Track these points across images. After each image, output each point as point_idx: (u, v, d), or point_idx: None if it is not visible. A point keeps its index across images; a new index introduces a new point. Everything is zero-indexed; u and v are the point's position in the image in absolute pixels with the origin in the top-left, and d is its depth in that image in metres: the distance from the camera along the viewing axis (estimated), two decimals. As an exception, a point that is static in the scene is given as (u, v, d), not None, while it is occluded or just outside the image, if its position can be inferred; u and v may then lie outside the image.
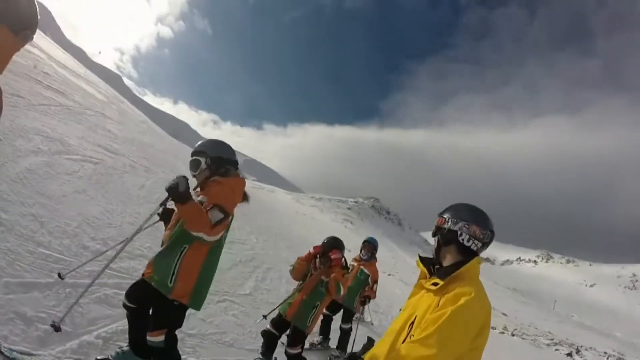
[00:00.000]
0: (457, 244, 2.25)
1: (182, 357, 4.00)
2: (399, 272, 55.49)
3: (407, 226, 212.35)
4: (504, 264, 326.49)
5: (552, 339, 32.58)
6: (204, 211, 3.16)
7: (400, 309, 2.40)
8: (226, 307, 6.41)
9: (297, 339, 5.08)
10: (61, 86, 12.93)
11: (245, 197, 3.75)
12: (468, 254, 2.23)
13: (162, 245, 3.52)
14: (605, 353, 36.51)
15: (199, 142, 3.73)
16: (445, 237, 2.30)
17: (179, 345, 4.14)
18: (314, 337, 6.99)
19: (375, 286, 8.11)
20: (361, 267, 7.88)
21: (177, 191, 3.04)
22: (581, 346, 33.42)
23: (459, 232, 2.24)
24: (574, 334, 50.71)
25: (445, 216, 2.34)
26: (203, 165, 3.52)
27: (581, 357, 28.37)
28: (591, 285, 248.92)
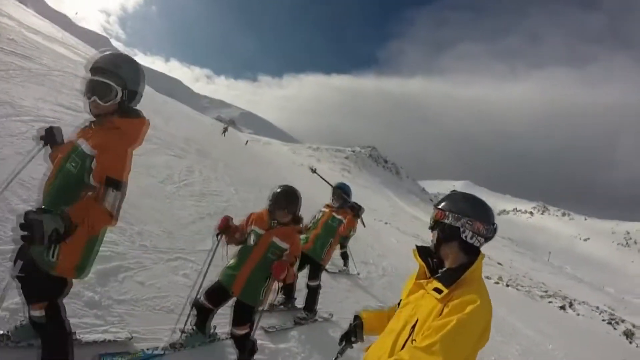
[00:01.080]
0: (460, 240, 2.13)
1: (105, 327, 3.70)
2: (396, 220, 55.85)
3: (405, 175, 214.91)
4: (501, 213, 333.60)
5: (546, 291, 32.86)
6: (94, 204, 2.45)
7: (399, 303, 2.35)
8: (176, 267, 5.45)
9: (244, 316, 3.90)
10: (27, 51, 12.14)
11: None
12: (471, 251, 2.14)
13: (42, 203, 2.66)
14: (597, 308, 36.97)
15: (112, 59, 2.71)
16: (447, 233, 2.17)
17: (104, 313, 3.87)
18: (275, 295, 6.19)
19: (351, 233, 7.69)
20: (333, 213, 6.61)
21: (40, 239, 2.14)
22: (574, 300, 33.90)
23: (461, 229, 2.12)
24: (567, 286, 51.40)
25: (444, 210, 2.20)
26: (116, 97, 2.65)
27: (574, 311, 29.02)
28: (585, 239, 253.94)
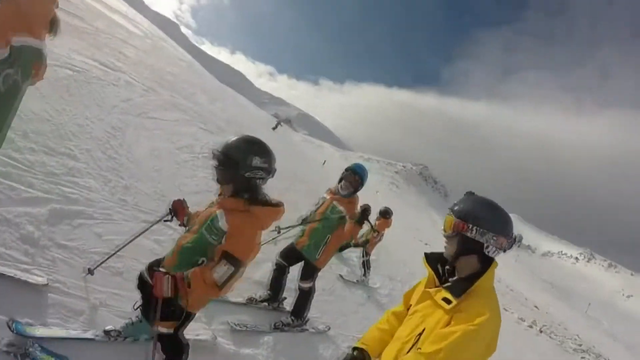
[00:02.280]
0: (481, 253, 2.07)
1: (28, 267, 3.19)
2: (437, 243, 54.12)
3: (453, 199, 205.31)
4: (545, 255, 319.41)
5: (580, 345, 31.23)
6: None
7: (408, 309, 2.28)
8: (152, 230, 4.38)
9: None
10: (81, 12, 11.65)
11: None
12: (489, 262, 2.09)
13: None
14: None
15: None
16: (469, 247, 2.06)
17: (36, 252, 3.37)
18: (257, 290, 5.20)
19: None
20: (334, 202, 5.01)
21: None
22: (609, 359, 31.91)
23: (485, 245, 2.04)
24: (602, 343, 48.84)
25: (467, 221, 2.06)
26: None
27: None
28: (628, 296, 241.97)
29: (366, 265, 8.94)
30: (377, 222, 9.76)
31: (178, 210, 3.28)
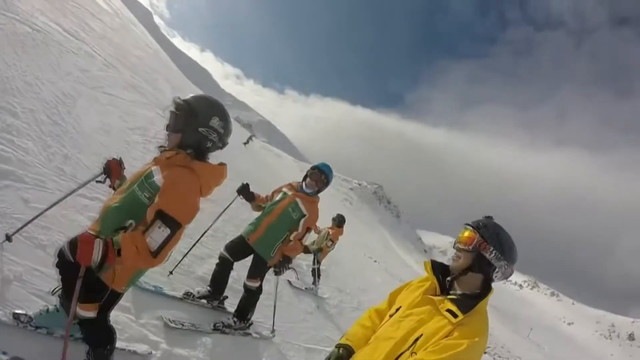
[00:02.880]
0: (488, 275, 2.15)
1: None
2: (385, 262, 54.69)
3: (405, 220, 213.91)
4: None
5: None
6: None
7: (398, 309, 2.24)
8: (86, 206, 4.32)
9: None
10: None
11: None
12: (488, 286, 2.18)
13: None
14: None
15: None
16: (482, 266, 2.12)
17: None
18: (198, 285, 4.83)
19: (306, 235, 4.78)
20: (297, 198, 4.57)
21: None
22: None
23: (496, 270, 2.13)
24: None
25: (489, 243, 2.12)
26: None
27: None
28: (569, 323, 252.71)
29: (316, 273, 8.61)
30: (330, 231, 9.55)
31: (113, 170, 2.93)
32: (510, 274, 2.18)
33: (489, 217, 2.26)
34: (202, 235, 5.02)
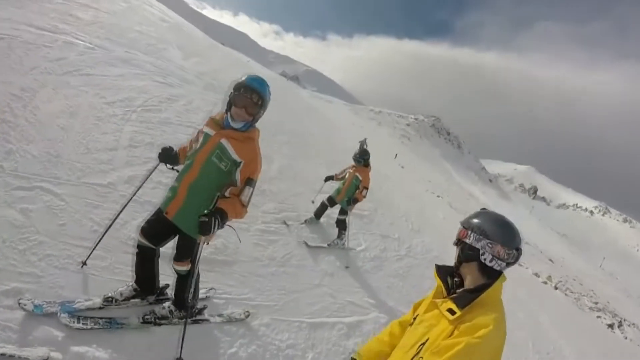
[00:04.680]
0: (479, 262, 2.09)
1: None
2: (449, 195, 53.52)
3: (467, 150, 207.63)
4: (560, 207, 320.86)
5: (596, 303, 30.80)
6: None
7: (415, 318, 2.25)
8: (22, 198, 3.87)
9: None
10: None
11: None
12: (491, 274, 2.08)
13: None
14: None
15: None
16: (466, 253, 2.13)
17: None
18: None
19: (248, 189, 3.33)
20: (222, 140, 3.22)
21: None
22: (624, 319, 31.33)
23: (481, 251, 2.07)
24: (616, 298, 48.48)
25: (467, 228, 2.15)
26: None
27: (622, 333, 26.63)
28: None
29: (342, 225, 7.37)
30: (357, 174, 7.54)
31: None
32: (505, 253, 2.03)
33: (482, 209, 2.25)
34: (116, 217, 3.83)
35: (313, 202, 8.01)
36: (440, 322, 2.03)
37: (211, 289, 4.19)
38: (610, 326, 25.76)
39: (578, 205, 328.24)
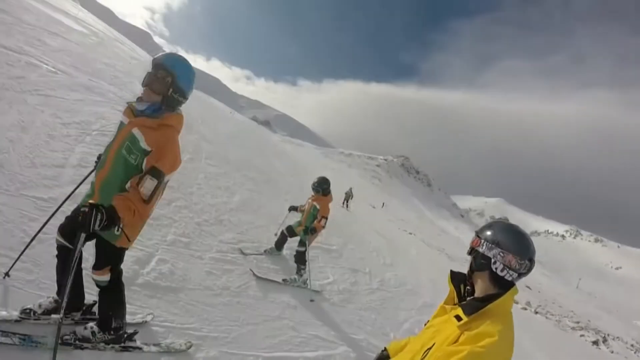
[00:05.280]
0: (491, 271, 2.04)
1: None
2: (422, 232, 53.76)
3: (437, 187, 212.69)
4: (532, 234, 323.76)
5: (578, 322, 31.01)
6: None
7: (425, 324, 2.24)
8: None
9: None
10: (11, 7, 10.70)
11: None
12: (502, 284, 2.02)
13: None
14: (632, 346, 34.36)
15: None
16: (478, 262, 2.08)
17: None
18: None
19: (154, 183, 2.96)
20: (133, 129, 2.78)
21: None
22: (608, 335, 31.48)
23: (492, 260, 2.02)
24: (597, 316, 48.79)
25: (480, 237, 2.12)
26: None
27: (607, 347, 26.42)
28: (617, 268, 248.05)
29: (301, 259, 6.69)
30: (315, 203, 7.03)
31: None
32: (517, 263, 1.97)
33: (495, 220, 2.20)
34: (43, 226, 3.34)
35: (276, 234, 7.42)
36: (447, 328, 1.99)
37: (149, 313, 3.70)
38: (595, 343, 25.73)
39: (549, 231, 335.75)
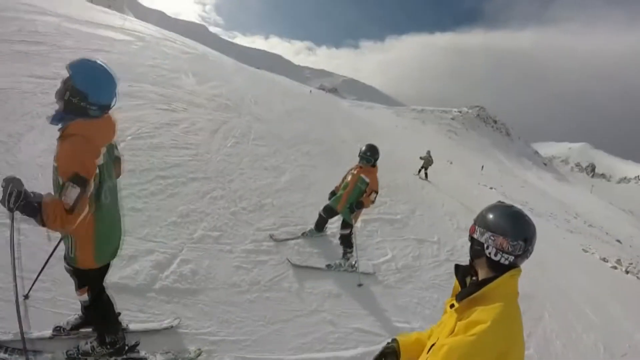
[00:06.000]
0: (486, 257, 1.99)
1: None
2: (503, 185, 51.70)
3: (516, 136, 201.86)
4: (621, 181, 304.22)
5: None
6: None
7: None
8: None
9: None
10: (47, 38, 11.01)
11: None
12: (500, 268, 1.95)
13: None
14: None
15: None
16: (474, 249, 2.06)
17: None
18: None
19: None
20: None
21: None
22: None
23: (485, 245, 1.99)
24: None
25: (475, 223, 2.09)
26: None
27: None
28: None
29: (347, 242, 6.09)
30: (362, 175, 6.12)
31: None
32: (509, 245, 1.88)
33: (495, 203, 2.12)
34: (55, 247, 3.33)
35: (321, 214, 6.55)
36: (449, 321, 1.96)
37: (176, 318, 3.61)
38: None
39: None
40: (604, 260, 22.67)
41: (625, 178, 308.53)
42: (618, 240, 41.85)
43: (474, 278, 2.08)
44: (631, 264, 26.23)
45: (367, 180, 5.93)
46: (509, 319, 1.79)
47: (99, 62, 2.60)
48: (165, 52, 17.28)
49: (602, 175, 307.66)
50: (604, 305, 10.89)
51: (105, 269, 2.89)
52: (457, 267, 2.18)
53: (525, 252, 1.93)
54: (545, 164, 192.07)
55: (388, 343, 2.32)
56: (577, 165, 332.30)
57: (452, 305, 1.96)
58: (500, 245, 1.92)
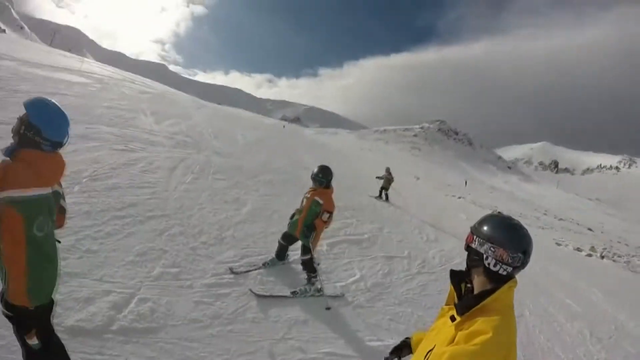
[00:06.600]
0: (485, 267, 2.00)
1: None
2: (471, 193, 52.62)
3: (479, 145, 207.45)
4: (585, 173, 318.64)
5: None
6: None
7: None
8: None
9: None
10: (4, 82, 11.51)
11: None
12: (498, 279, 1.97)
13: None
14: None
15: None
16: (472, 259, 2.06)
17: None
18: None
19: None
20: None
21: None
22: None
23: (484, 256, 1.99)
24: None
25: (473, 233, 2.09)
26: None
27: None
28: None
29: (309, 267, 6.02)
30: (316, 197, 6.04)
31: None
32: (509, 257, 1.90)
33: (491, 213, 2.15)
34: None
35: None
36: (445, 329, 1.97)
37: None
38: (673, 284, 23.92)
39: (602, 165, 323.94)
40: (578, 249, 23.45)
41: (588, 169, 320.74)
42: (589, 229, 42.93)
43: (468, 285, 2.10)
44: (605, 248, 27.01)
45: (321, 201, 5.89)
46: (508, 328, 1.82)
47: (53, 101, 2.75)
48: (124, 93, 17.51)
49: (566, 170, 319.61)
50: (584, 293, 11.25)
51: (46, 310, 2.68)
52: (452, 272, 2.19)
53: (523, 264, 1.95)
54: (509, 167, 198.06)
55: (405, 338, 2.48)
56: (541, 163, 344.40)
57: (452, 318, 1.95)
58: (500, 256, 1.94)
